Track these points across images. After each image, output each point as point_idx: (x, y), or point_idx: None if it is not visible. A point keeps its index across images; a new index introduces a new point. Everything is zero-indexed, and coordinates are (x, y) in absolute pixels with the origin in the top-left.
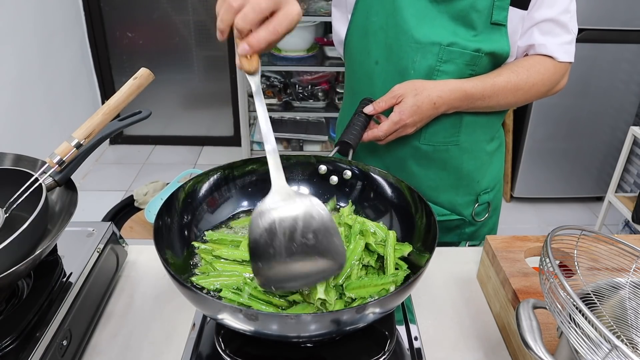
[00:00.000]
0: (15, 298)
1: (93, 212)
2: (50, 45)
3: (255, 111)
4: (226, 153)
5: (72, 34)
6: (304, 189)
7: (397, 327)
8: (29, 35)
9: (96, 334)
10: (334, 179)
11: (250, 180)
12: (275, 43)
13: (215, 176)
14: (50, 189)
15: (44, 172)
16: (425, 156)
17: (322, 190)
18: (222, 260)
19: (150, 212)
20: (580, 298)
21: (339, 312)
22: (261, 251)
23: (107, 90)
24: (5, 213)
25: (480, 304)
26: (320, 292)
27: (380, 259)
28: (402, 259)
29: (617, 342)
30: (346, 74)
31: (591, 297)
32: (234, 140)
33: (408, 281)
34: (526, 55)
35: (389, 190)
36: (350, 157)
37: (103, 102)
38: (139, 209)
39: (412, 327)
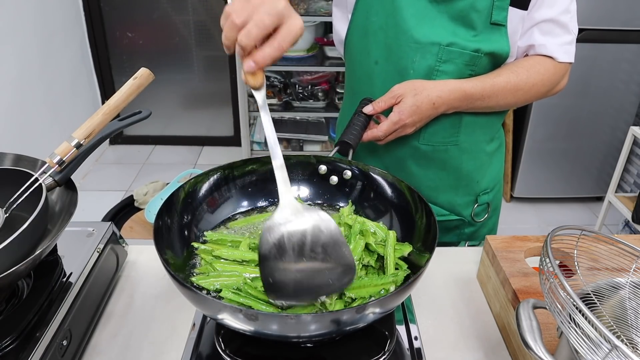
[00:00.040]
0: (15, 298)
1: (93, 212)
2: (50, 45)
3: (256, 111)
4: (226, 153)
5: (72, 34)
6: (304, 189)
7: (397, 327)
8: (29, 35)
9: (96, 334)
10: (334, 179)
11: (250, 180)
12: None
13: (215, 176)
14: (50, 189)
15: (44, 172)
16: (425, 156)
17: (322, 190)
18: (222, 260)
19: (150, 212)
20: (580, 298)
21: (339, 312)
22: (271, 266)
23: (107, 90)
24: (5, 213)
25: (480, 304)
26: None
27: (380, 259)
28: (402, 259)
29: (617, 342)
30: (346, 74)
31: (591, 297)
32: (234, 140)
33: (408, 281)
34: (526, 55)
35: (389, 190)
36: (350, 157)
37: (103, 102)
38: (139, 209)
39: (412, 327)
